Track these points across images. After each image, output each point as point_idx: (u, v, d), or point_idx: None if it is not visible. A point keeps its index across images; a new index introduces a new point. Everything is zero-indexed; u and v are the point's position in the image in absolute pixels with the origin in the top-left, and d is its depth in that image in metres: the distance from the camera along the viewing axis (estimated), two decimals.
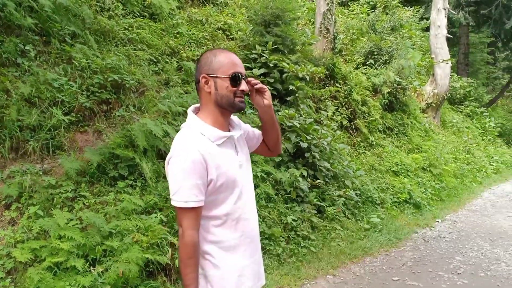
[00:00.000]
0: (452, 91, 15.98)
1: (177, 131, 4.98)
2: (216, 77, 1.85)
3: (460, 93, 16.59)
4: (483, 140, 15.60)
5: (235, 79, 1.84)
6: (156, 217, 4.05)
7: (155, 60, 6.29)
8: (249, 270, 1.96)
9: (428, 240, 6.59)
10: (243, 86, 1.87)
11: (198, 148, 1.77)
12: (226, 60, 1.87)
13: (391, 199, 7.78)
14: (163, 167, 4.68)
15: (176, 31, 7.18)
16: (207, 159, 1.78)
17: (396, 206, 7.71)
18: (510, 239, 6.86)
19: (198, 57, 2.10)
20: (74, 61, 5.02)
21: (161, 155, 4.77)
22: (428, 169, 9.69)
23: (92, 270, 3.36)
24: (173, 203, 1.79)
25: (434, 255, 5.94)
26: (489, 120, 16.53)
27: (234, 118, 2.06)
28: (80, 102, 4.68)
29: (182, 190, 1.76)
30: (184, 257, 1.78)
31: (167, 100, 5.37)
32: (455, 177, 10.42)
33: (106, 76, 5.04)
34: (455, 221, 7.84)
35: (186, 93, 5.93)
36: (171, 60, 6.53)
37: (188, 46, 7.14)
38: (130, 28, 6.40)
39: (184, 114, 5.39)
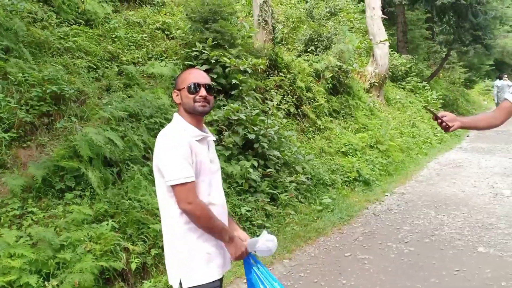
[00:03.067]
0: (394, 69, 16.53)
1: (121, 137, 5.03)
2: (180, 89, 2.35)
3: (402, 70, 17.18)
4: (426, 113, 16.27)
5: (190, 88, 2.30)
6: (107, 224, 4.10)
7: (95, 67, 6.25)
8: (217, 251, 2.33)
9: (378, 214, 6.94)
10: (201, 93, 2.31)
11: (186, 139, 2.24)
12: (186, 76, 2.36)
13: (341, 179, 8.07)
14: (111, 173, 4.73)
15: (114, 36, 7.13)
16: (192, 147, 2.24)
17: (346, 185, 8.02)
18: (453, 204, 7.33)
19: None
20: (9, 76, 4.96)
21: (108, 162, 4.80)
22: (375, 146, 10.08)
23: (47, 285, 3.40)
24: (174, 183, 2.17)
25: (384, 228, 6.29)
26: (431, 93, 17.25)
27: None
28: (19, 117, 4.65)
29: (181, 170, 2.17)
30: (207, 217, 2.21)
31: (109, 106, 5.39)
32: (402, 151, 10.89)
33: (44, 89, 5.00)
34: (403, 193, 8.26)
35: (129, 97, 5.95)
36: (111, 65, 6.51)
37: (127, 49, 7.11)
38: (65, 37, 6.32)
39: (128, 119, 5.44)
